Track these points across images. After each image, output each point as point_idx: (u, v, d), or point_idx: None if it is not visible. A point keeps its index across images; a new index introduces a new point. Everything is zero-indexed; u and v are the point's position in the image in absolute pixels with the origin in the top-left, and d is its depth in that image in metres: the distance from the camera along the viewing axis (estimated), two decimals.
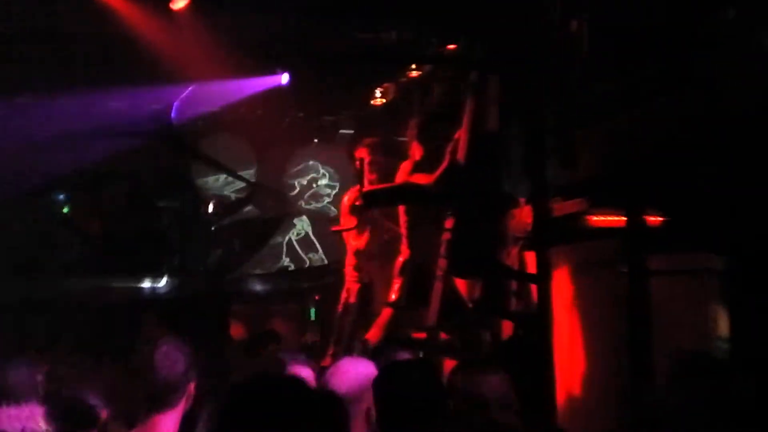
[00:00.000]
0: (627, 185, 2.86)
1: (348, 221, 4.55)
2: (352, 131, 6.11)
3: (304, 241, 6.98)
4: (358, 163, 4.46)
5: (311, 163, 6.94)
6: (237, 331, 5.74)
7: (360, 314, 4.43)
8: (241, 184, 6.68)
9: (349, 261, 4.63)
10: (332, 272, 5.57)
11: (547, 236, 3.08)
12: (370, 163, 4.35)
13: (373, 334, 3.68)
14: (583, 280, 3.05)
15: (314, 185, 6.96)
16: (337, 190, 6.69)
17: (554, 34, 3.05)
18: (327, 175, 6.90)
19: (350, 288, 4.59)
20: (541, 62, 3.09)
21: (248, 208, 6.68)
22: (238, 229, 6.34)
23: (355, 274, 4.58)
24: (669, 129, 2.73)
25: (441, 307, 3.31)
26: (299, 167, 6.94)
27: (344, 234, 4.67)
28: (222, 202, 6.49)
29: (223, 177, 6.78)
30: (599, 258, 2.98)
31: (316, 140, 6.67)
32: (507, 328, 3.30)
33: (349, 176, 5.00)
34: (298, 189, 6.96)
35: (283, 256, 6.93)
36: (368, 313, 4.35)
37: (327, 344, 4.65)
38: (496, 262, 3.31)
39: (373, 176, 4.32)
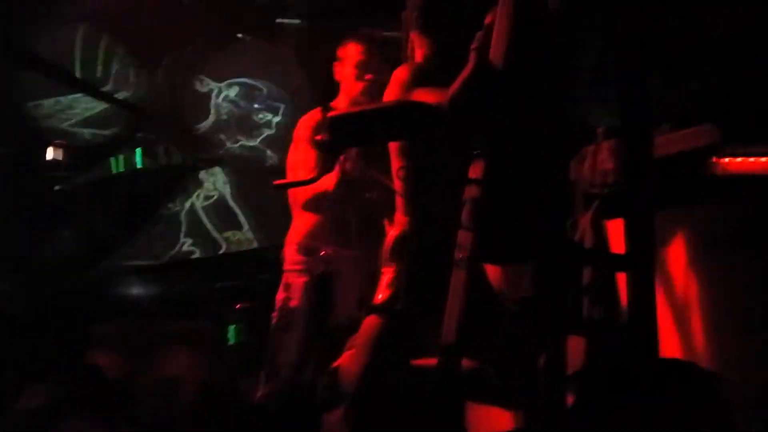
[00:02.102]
0: None
1: (300, 170, 4.57)
2: (298, 21, 6.09)
3: (219, 209, 6.99)
4: (338, 65, 4.59)
5: (234, 73, 6.90)
6: (107, 366, 5.74)
7: (314, 328, 4.49)
8: (106, 112, 6.63)
9: (293, 237, 4.68)
10: (268, 262, 5.58)
11: (648, 192, 3.06)
12: (362, 67, 4.45)
13: (348, 362, 3.64)
14: (713, 265, 3.05)
15: (238, 110, 6.93)
16: (279, 117, 6.68)
17: None
18: (262, 92, 6.86)
19: (292, 283, 4.66)
20: None
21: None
22: (102, 192, 6.34)
23: (301, 259, 4.63)
24: None
25: (463, 313, 3.24)
26: (213, 81, 6.90)
27: (291, 194, 4.68)
28: (74, 147, 6.45)
29: (76, 100, 6.73)
30: (742, 228, 2.96)
31: (240, 35, 6.64)
32: (576, 347, 3.29)
33: (300, 95, 5.01)
34: (212, 118, 6.93)
35: (182, 237, 6.92)
36: (329, 327, 4.40)
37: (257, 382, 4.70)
38: (555, 236, 3.30)
39: (363, 91, 4.40)
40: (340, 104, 4.68)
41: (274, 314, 4.69)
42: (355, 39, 4.67)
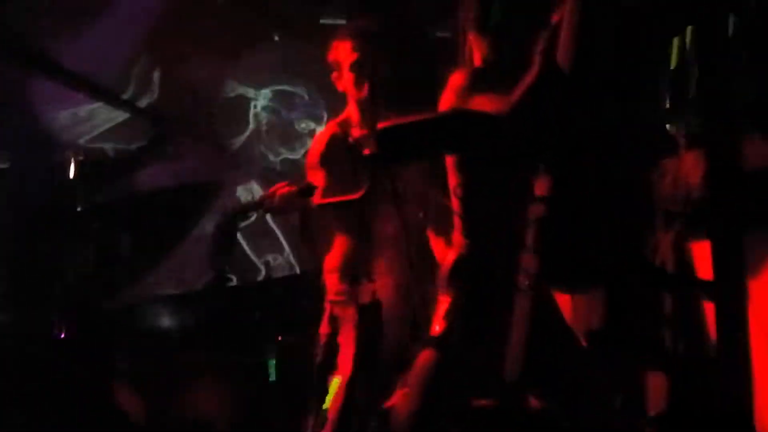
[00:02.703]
0: None
1: (332, 185, 4.58)
2: (343, 21, 6.08)
3: (258, 230, 6.99)
4: (335, 75, 4.62)
5: (272, 79, 6.93)
6: (130, 405, 5.77)
7: (362, 363, 4.48)
8: (128, 123, 6.66)
9: (333, 262, 4.66)
10: (311, 290, 5.58)
11: (738, 209, 3.05)
12: (359, 67, 4.52)
13: (400, 402, 3.66)
14: None
15: (278, 119, 6.95)
16: (322, 126, 6.70)
17: None
18: (304, 98, 6.89)
19: (338, 314, 4.64)
20: None
21: (146, 169, 6.69)
22: (126, 210, 6.37)
23: (346, 288, 4.61)
24: None
25: (528, 346, 3.25)
26: (249, 88, 6.93)
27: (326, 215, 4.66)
28: (95, 161, 6.50)
29: (94, 111, 6.78)
30: None
31: (276, 37, 6.68)
32: (656, 386, 3.27)
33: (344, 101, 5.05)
34: (250, 128, 6.95)
35: None
36: (379, 361, 4.40)
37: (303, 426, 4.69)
38: (632, 260, 3.29)
39: (370, 94, 4.50)
40: (351, 114, 4.69)
41: (318, 351, 4.68)
42: (342, 37, 4.70)
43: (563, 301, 3.55)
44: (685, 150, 3.46)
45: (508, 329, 3.29)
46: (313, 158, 4.77)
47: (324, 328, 4.70)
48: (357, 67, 4.59)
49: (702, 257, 3.19)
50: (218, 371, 6.21)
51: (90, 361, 5.68)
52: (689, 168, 3.38)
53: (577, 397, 3.44)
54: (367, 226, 4.57)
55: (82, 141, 6.73)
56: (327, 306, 4.72)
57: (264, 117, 6.84)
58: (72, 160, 6.12)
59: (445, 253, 4.10)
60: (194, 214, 6.63)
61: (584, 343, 3.40)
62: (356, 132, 4.66)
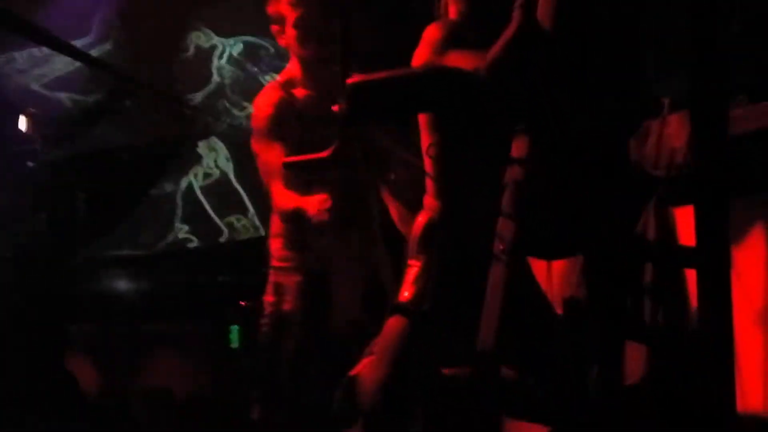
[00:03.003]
0: None
1: (276, 143, 4.50)
2: None
3: (220, 190, 6.98)
4: (277, 29, 4.63)
5: (237, 30, 6.89)
6: (86, 375, 5.76)
7: (311, 336, 4.49)
8: (86, 70, 6.62)
9: (279, 226, 4.64)
10: None
11: (721, 175, 3.06)
12: (303, 23, 4.47)
13: (366, 370, 3.66)
14: None
15: (243, 73, 6.92)
16: None
17: None
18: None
19: (283, 283, 4.62)
20: None
21: (103, 125, 6.67)
22: (82, 168, 6.34)
23: (290, 254, 4.61)
24: None
25: (503, 314, 3.25)
26: (212, 39, 6.90)
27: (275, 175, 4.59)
28: (49, 116, 6.46)
29: (47, 60, 6.73)
30: None
31: None
32: (634, 356, 3.30)
33: None
34: (212, 82, 6.92)
35: (177, 222, 6.93)
36: (328, 334, 4.43)
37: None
38: (612, 226, 3.31)
39: (316, 53, 4.45)
40: (294, 72, 4.65)
41: (263, 320, 4.67)
42: None
43: (540, 268, 3.57)
44: (669, 112, 3.48)
45: (483, 296, 3.29)
46: (261, 124, 4.67)
47: (269, 296, 4.68)
48: (301, 23, 4.52)
49: (685, 223, 3.21)
50: (178, 338, 6.21)
51: (43, 327, 5.66)
52: (673, 131, 3.40)
53: (552, 367, 3.46)
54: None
55: (37, 86, 6.69)
56: (270, 273, 4.69)
57: (228, 70, 6.81)
58: (24, 114, 6.08)
59: (405, 217, 4.11)
60: (154, 173, 6.60)
61: (560, 312, 3.42)
62: (301, 92, 4.62)
